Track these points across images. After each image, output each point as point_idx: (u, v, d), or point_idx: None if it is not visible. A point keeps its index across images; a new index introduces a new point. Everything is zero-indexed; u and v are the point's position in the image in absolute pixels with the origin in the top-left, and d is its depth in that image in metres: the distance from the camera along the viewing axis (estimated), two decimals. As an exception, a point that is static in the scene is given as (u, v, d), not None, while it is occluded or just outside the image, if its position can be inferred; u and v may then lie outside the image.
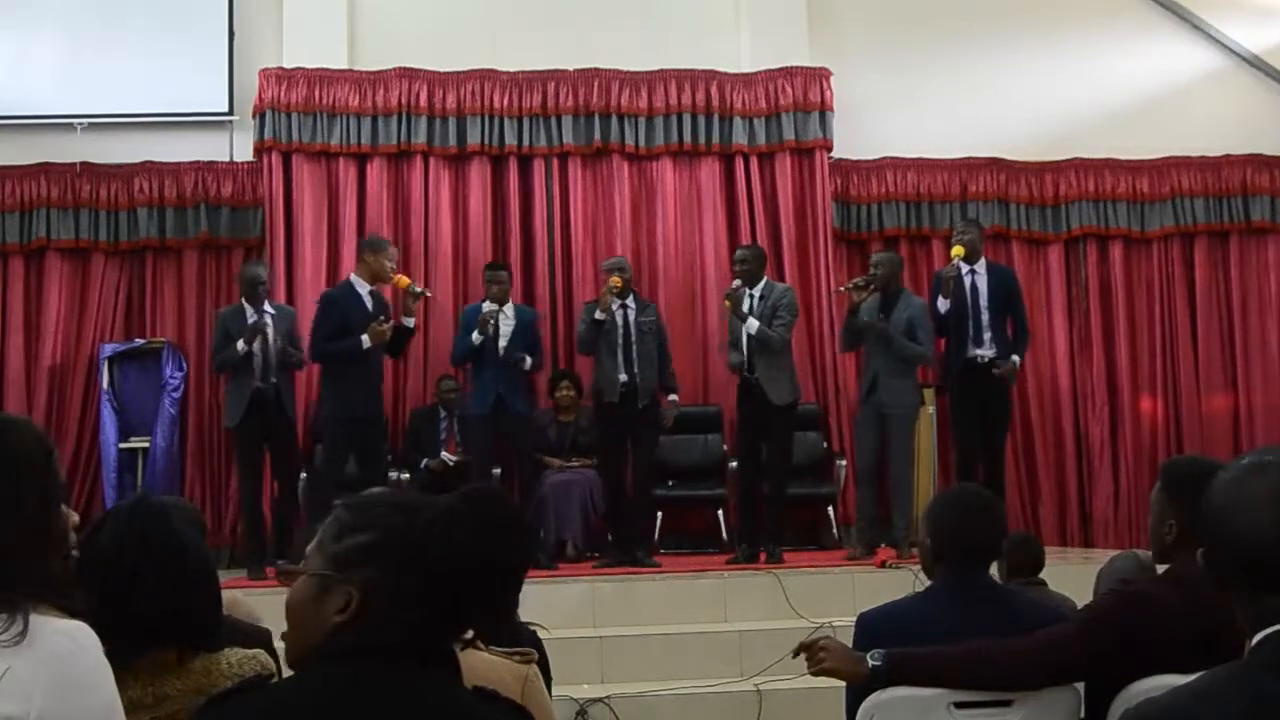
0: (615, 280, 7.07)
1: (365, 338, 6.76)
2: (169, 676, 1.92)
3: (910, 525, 7.05)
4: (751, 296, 7.07)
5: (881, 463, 7.15)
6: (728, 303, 7.06)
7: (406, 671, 1.48)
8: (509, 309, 7.32)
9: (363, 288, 6.98)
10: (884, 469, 7.17)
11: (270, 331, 7.09)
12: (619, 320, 7.11)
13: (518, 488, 7.35)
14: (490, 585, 1.56)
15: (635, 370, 7.07)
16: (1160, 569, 2.85)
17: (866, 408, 7.13)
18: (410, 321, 7.00)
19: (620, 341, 7.09)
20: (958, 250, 7.17)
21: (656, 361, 7.18)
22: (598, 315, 7.05)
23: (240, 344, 6.98)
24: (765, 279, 7.21)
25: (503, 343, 7.18)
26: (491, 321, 7.12)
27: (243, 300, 7.23)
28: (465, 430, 7.79)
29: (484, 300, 7.39)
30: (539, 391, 8.38)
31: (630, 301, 7.21)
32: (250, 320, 7.06)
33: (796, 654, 2.77)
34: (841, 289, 7.26)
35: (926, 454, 7.86)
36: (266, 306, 7.22)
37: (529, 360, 7.31)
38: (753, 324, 6.96)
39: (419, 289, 7.07)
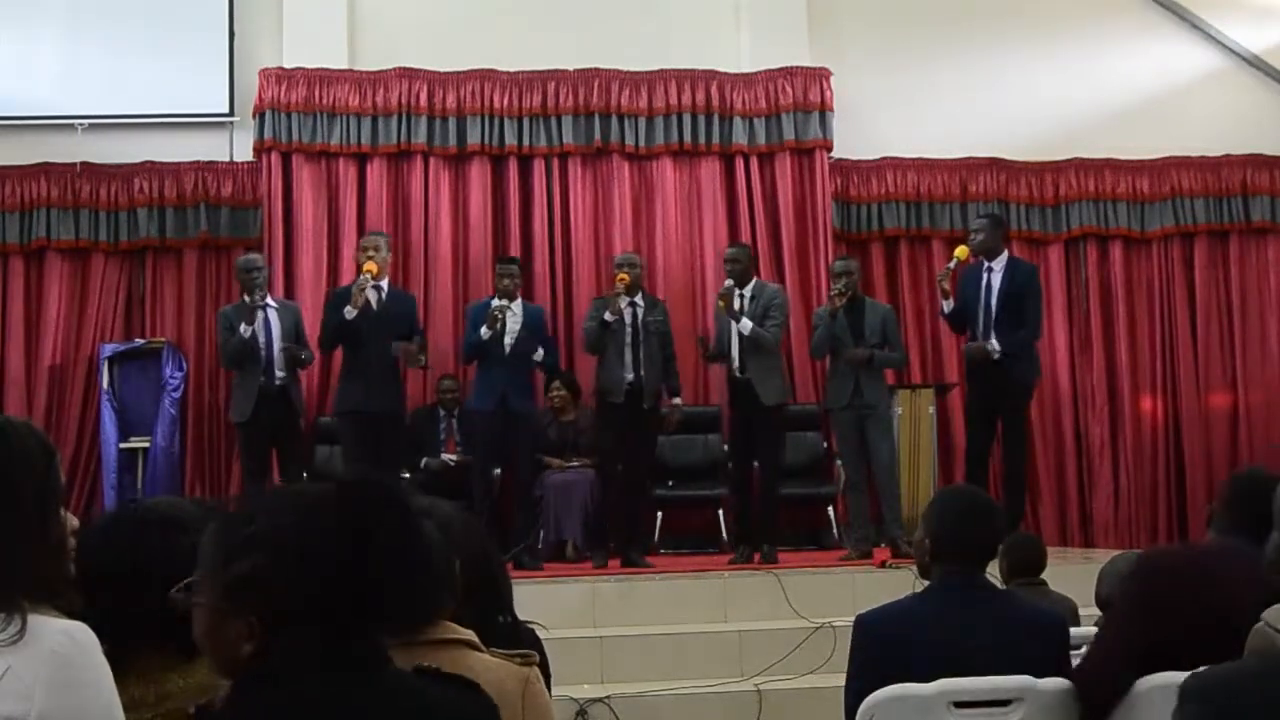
0: (623, 277, 7.00)
1: (348, 309, 6.78)
2: (171, 674, 1.92)
3: (902, 522, 7.07)
4: (742, 296, 7.03)
5: (868, 463, 7.14)
6: (720, 303, 7.04)
7: (346, 673, 1.45)
8: (516, 305, 7.20)
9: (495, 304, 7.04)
10: (870, 469, 7.16)
11: (272, 321, 7.09)
12: (626, 319, 7.02)
13: (517, 486, 7.30)
14: (386, 580, 1.46)
15: (641, 370, 7.00)
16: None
17: (848, 413, 7.09)
18: (350, 313, 6.84)
19: (628, 341, 7.01)
20: (960, 251, 7.18)
21: (661, 362, 7.13)
22: (607, 316, 6.95)
23: (242, 327, 6.97)
24: (755, 279, 7.19)
25: (509, 340, 7.06)
26: (500, 317, 6.98)
27: (242, 294, 7.21)
28: (467, 427, 7.75)
29: (492, 296, 7.28)
30: (537, 391, 8.37)
31: (639, 299, 7.11)
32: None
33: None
34: (835, 295, 7.19)
35: (926, 454, 7.86)
36: (270, 301, 7.23)
37: (540, 351, 7.19)
38: (746, 324, 6.93)
39: (364, 282, 6.90)
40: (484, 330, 6.96)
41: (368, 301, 6.91)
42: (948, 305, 7.16)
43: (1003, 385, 6.98)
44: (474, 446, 7.42)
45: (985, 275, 7.12)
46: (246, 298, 7.12)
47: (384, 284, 7.15)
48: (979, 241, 7.15)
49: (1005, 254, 7.23)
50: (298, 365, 7.27)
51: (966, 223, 8.48)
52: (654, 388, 7.07)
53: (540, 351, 7.20)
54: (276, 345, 7.11)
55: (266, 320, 7.15)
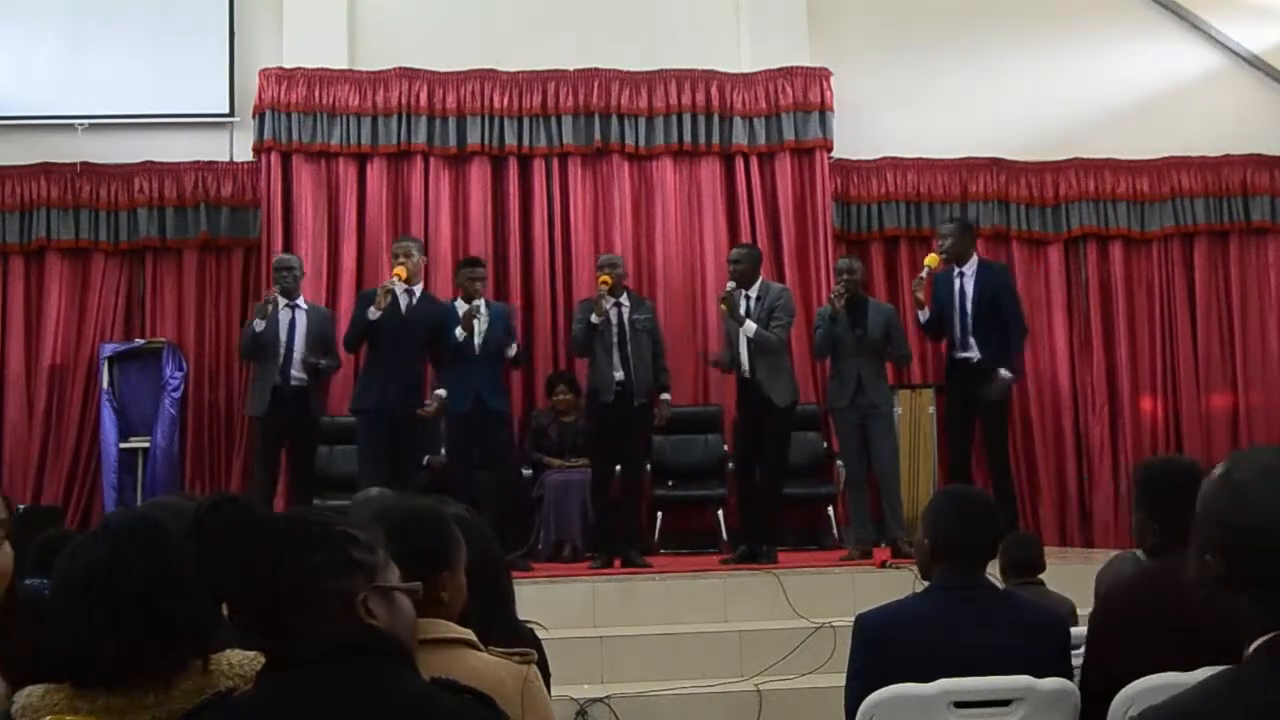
0: (605, 279, 6.99)
1: (372, 309, 6.78)
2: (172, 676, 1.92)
3: (903, 522, 7.06)
4: (748, 298, 7.00)
5: (869, 463, 7.14)
6: (723, 306, 7.02)
7: (361, 671, 1.48)
8: (482, 305, 7.07)
9: (460, 306, 6.99)
10: (871, 469, 7.15)
11: (298, 322, 7.08)
12: (613, 319, 7.01)
13: (508, 487, 7.21)
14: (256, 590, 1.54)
15: (630, 368, 6.98)
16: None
17: (850, 412, 7.08)
18: (373, 314, 6.80)
19: (615, 340, 6.99)
20: (931, 259, 7.15)
21: (650, 359, 7.10)
22: (593, 319, 6.94)
23: (255, 321, 6.99)
24: (761, 279, 7.12)
25: (478, 340, 6.95)
26: (476, 319, 6.94)
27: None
28: (447, 431, 7.69)
29: (455, 298, 7.18)
30: (537, 391, 8.38)
31: (624, 299, 7.09)
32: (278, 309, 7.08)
33: None
34: (835, 298, 7.16)
35: (927, 454, 7.86)
36: (300, 303, 7.23)
37: (514, 348, 7.13)
38: (750, 327, 6.89)
39: (390, 285, 6.87)
40: (458, 332, 6.85)
41: (395, 303, 6.90)
42: (923, 315, 7.14)
43: (983, 387, 6.96)
44: (452, 450, 7.26)
45: (958, 280, 7.09)
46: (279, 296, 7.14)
47: (417, 289, 7.10)
48: (948, 246, 7.11)
49: (975, 257, 7.21)
50: (318, 374, 7.24)
51: (966, 223, 8.48)
52: (644, 386, 7.04)
53: (514, 348, 7.13)
54: (298, 346, 7.08)
55: (292, 321, 7.13)
